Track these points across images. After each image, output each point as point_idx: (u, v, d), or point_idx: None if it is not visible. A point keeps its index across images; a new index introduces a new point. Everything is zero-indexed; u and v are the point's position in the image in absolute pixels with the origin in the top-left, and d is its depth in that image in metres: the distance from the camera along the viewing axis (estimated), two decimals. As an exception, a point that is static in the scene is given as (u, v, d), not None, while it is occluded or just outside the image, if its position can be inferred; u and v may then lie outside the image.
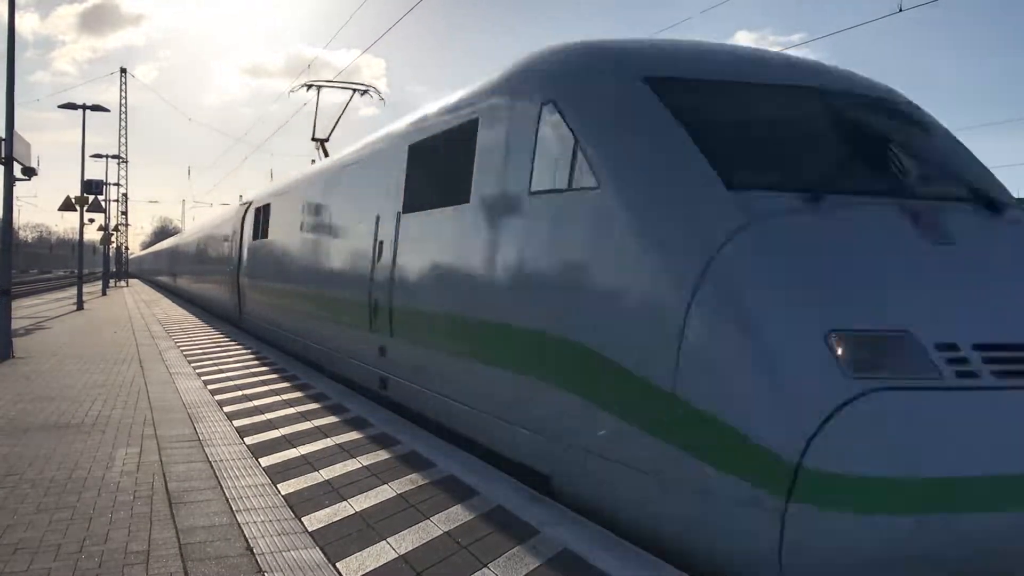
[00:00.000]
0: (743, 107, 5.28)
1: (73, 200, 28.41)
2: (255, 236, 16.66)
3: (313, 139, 18.81)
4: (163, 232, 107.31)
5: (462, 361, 6.57)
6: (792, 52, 9.69)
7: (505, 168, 5.98)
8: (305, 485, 5.66)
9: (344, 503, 5.22)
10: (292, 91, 19.49)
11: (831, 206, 4.38)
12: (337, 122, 18.78)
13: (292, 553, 4.31)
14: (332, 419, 8.06)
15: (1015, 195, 5.31)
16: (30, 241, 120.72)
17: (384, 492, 5.47)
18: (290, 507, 5.13)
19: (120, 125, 59.18)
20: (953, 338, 3.77)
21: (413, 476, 5.86)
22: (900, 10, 11.50)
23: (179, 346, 15.38)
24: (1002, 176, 5.51)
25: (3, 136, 13.39)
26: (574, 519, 4.86)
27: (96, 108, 29.38)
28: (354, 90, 18.07)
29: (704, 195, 4.51)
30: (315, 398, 9.34)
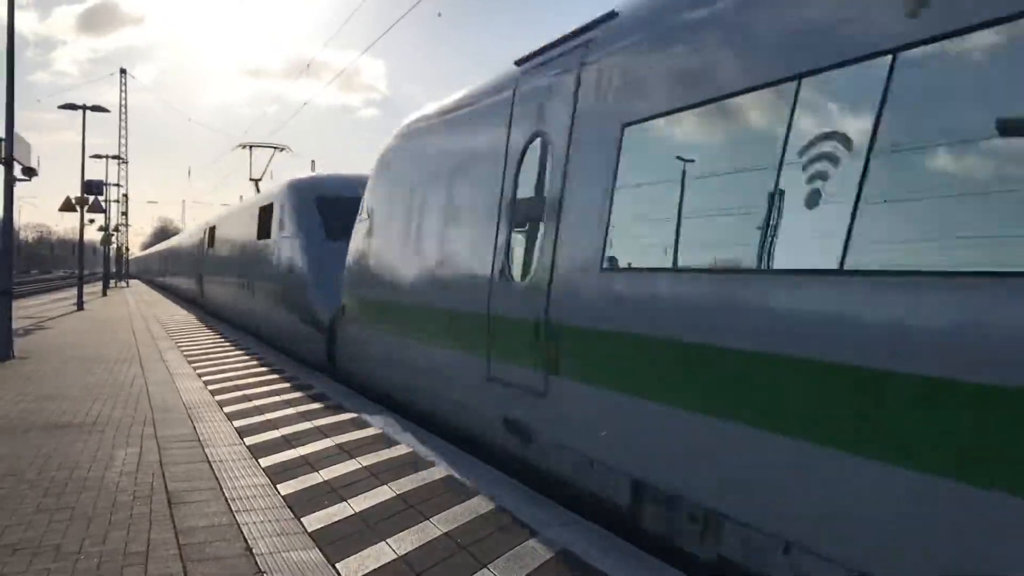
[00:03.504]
0: (340, 207, 13.29)
1: (73, 201, 28.42)
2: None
3: (250, 179, 26.82)
4: (163, 232, 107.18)
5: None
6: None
7: (276, 226, 15.33)
8: (305, 486, 5.66)
9: (344, 504, 5.22)
10: (233, 149, 28.64)
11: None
12: (265, 170, 27.45)
13: (291, 554, 4.32)
14: (332, 419, 8.06)
15: None
16: (30, 241, 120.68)
17: (383, 493, 5.47)
18: (289, 508, 5.13)
19: (120, 125, 59.24)
20: None
21: (413, 477, 5.86)
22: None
23: (179, 347, 15.38)
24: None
25: (3, 136, 13.39)
26: (573, 520, 4.87)
27: (96, 109, 29.41)
28: (275, 148, 27.01)
29: (318, 241, 13.58)
30: (315, 398, 9.35)
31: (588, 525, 4.77)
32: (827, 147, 3.57)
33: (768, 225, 3.82)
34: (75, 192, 30.01)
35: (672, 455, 4.36)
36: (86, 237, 35.63)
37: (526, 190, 6.17)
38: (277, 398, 9.41)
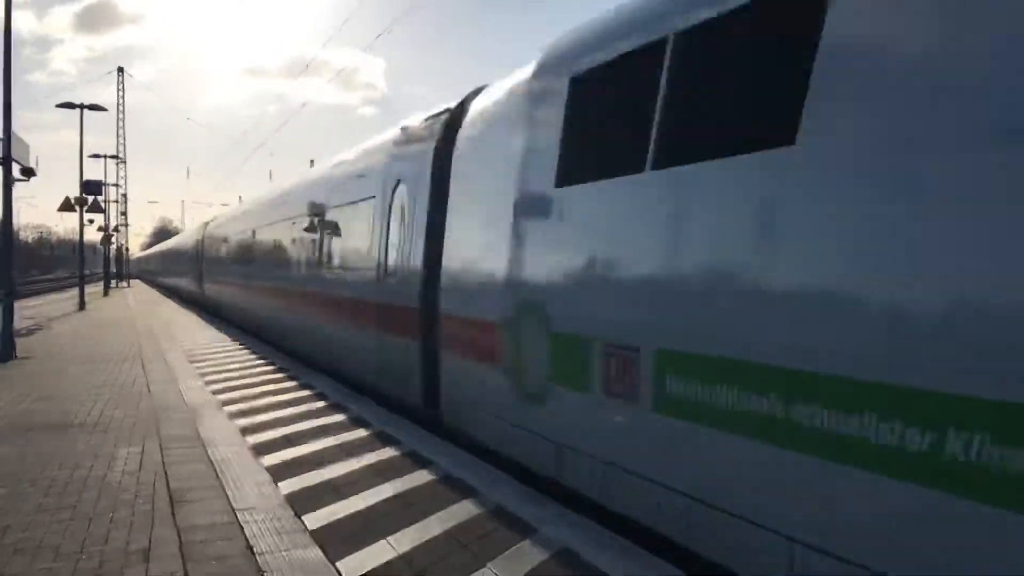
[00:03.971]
0: None
1: (72, 201, 28.43)
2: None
3: None
4: (163, 232, 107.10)
5: None
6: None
7: None
8: (306, 484, 5.67)
9: (344, 502, 5.23)
10: None
11: None
12: None
13: (292, 552, 4.33)
14: (333, 419, 8.08)
15: None
16: (30, 242, 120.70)
17: (384, 491, 5.49)
18: (291, 506, 5.14)
19: (118, 125, 59.22)
20: None
21: (413, 475, 5.87)
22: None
23: (181, 346, 15.39)
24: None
25: (1, 136, 13.39)
26: (573, 518, 4.88)
27: (94, 108, 29.35)
28: None
29: None
30: (316, 398, 9.36)
31: (588, 523, 4.78)
32: None
33: None
34: (74, 192, 29.98)
35: None
36: (86, 237, 35.67)
37: None
38: (279, 397, 9.42)
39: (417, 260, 7.73)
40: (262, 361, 12.98)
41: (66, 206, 28.12)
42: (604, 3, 5.49)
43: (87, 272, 34.54)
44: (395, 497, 5.36)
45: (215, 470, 6.05)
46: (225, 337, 17.35)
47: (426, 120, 8.37)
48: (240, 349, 14.88)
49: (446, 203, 7.26)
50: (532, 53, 6.26)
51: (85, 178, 31.16)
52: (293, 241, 13.86)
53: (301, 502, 5.24)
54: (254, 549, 4.36)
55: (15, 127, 13.62)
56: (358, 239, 9.85)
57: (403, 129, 9.01)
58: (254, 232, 18.12)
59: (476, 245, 6.61)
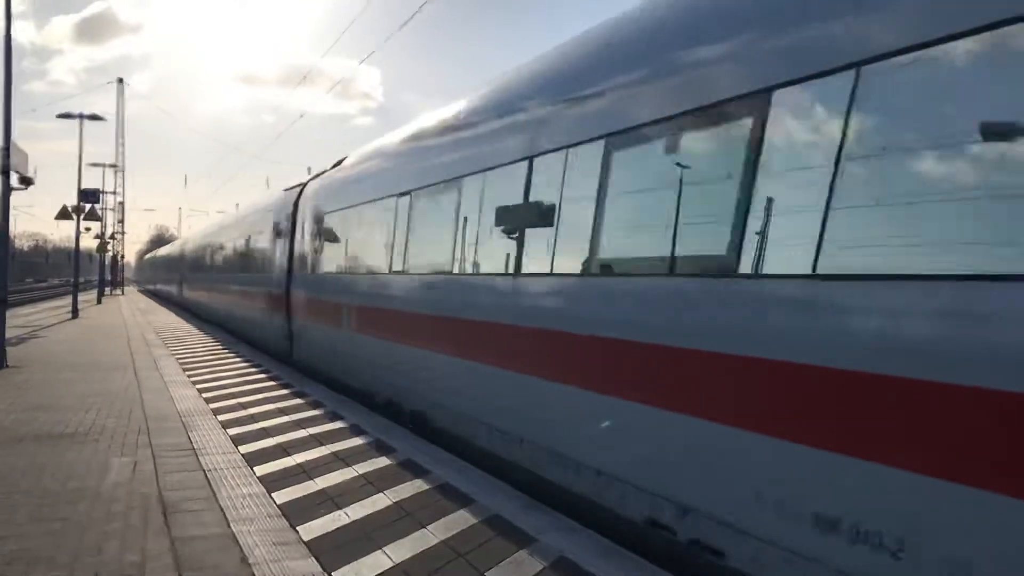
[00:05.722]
0: None
1: (70, 209, 28.35)
2: None
3: None
4: (160, 240, 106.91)
5: None
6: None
7: None
8: (300, 494, 5.63)
9: (340, 512, 5.20)
10: None
11: None
12: None
13: (288, 563, 4.29)
14: (327, 427, 8.04)
15: None
16: (26, 250, 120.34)
17: (380, 501, 5.45)
18: (285, 517, 5.11)
19: (117, 136, 59.15)
20: None
21: (409, 484, 5.84)
22: None
23: (174, 354, 15.33)
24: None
25: (1, 146, 13.35)
26: (571, 527, 4.86)
27: (93, 117, 29.34)
28: None
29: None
30: (310, 406, 9.31)
31: (586, 531, 4.76)
32: None
33: None
34: (71, 200, 29.83)
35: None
36: (82, 245, 35.53)
37: None
38: (272, 406, 9.38)
39: None
40: (255, 369, 12.93)
41: (63, 215, 28.06)
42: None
43: (82, 280, 34.38)
44: (391, 506, 5.32)
45: (208, 480, 6.00)
46: (219, 345, 17.29)
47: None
48: (234, 356, 14.83)
49: None
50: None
51: (83, 186, 31.03)
52: None
53: (296, 512, 5.20)
54: (249, 559, 4.32)
55: (14, 136, 13.58)
56: None
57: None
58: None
59: None
